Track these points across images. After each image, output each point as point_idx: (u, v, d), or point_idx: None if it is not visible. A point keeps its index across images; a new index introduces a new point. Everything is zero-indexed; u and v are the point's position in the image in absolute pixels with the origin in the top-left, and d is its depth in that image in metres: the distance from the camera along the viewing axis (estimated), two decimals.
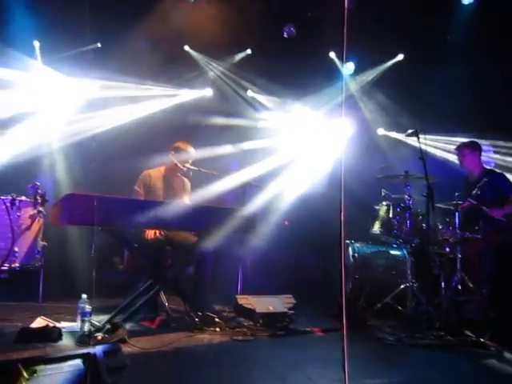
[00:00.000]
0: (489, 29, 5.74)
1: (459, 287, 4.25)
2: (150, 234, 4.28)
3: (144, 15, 6.13)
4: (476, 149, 4.87)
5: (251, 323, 3.97)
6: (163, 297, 4.36)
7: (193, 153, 4.67)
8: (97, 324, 3.56)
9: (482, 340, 3.76)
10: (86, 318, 3.56)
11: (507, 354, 3.53)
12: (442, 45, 6.40)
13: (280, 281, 5.82)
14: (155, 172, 4.72)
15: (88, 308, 3.57)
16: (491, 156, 5.66)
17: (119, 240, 3.91)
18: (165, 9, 6.21)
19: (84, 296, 3.61)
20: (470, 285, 4.29)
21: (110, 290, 4.91)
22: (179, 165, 4.56)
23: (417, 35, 6.29)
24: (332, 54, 6.98)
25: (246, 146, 6.38)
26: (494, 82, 5.79)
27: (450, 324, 4.03)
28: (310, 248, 6.52)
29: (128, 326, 3.71)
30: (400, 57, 6.87)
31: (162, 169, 4.73)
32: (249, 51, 7.02)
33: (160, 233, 4.32)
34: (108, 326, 3.44)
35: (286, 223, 6.56)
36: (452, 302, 4.24)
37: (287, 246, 6.40)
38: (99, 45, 6.50)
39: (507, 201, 4.56)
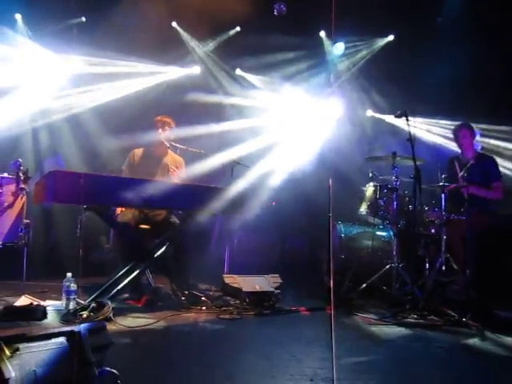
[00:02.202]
0: (480, 10, 5.70)
1: (443, 268, 4.29)
2: (128, 212, 4.22)
3: None
4: (473, 132, 4.95)
5: (238, 302, 3.98)
6: (149, 276, 4.34)
7: (174, 128, 4.59)
8: (82, 302, 3.54)
9: (464, 320, 3.83)
10: (71, 297, 3.54)
11: (488, 334, 3.60)
12: (432, 26, 6.36)
13: (266, 261, 5.85)
14: (140, 150, 4.65)
15: (73, 286, 3.55)
16: (478, 139, 5.68)
17: (104, 219, 3.86)
18: None
19: (69, 274, 3.58)
20: (454, 266, 4.32)
21: (96, 269, 4.88)
22: (165, 142, 4.49)
23: (407, 16, 6.23)
24: (322, 34, 6.90)
25: (234, 124, 6.30)
26: (484, 64, 5.79)
27: (433, 304, 4.09)
28: (297, 228, 6.55)
29: (113, 304, 3.68)
30: (390, 37, 6.81)
31: (151, 146, 4.66)
32: (238, 29, 6.89)
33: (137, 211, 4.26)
34: (93, 305, 3.41)
35: (273, 203, 6.56)
36: (436, 282, 4.29)
37: (274, 226, 6.40)
38: (83, 19, 6.33)
39: (488, 186, 4.62)
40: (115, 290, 3.73)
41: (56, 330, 1.96)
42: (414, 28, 6.32)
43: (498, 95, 5.66)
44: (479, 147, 5.31)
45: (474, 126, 5.10)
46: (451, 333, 3.62)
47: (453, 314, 3.95)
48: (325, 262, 5.00)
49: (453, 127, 5.11)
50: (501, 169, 4.98)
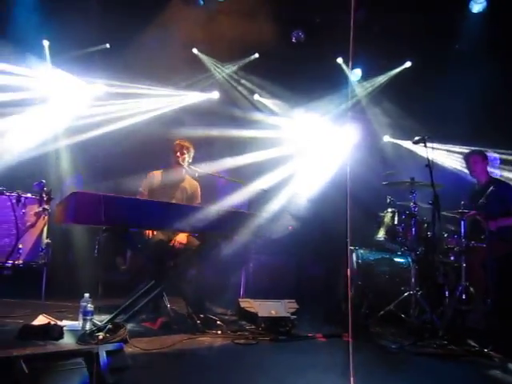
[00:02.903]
0: (497, 38, 5.73)
1: (463, 296, 4.20)
2: (150, 233, 4.27)
3: (153, 17, 6.17)
4: (485, 157, 4.89)
5: (253, 327, 3.95)
6: (165, 298, 4.34)
7: (192, 152, 4.66)
8: (98, 323, 3.55)
9: (485, 350, 3.73)
10: (88, 317, 3.56)
11: (511, 365, 3.49)
12: (450, 53, 6.40)
13: (283, 286, 5.78)
14: (159, 173, 4.72)
15: (90, 307, 3.57)
16: (498, 167, 5.62)
17: (123, 240, 3.91)
18: (174, 12, 6.25)
19: (86, 295, 3.61)
20: (474, 294, 4.24)
21: (112, 290, 4.89)
22: (183, 165, 4.56)
23: (425, 43, 6.29)
24: (339, 60, 6.99)
25: (256, 156, 6.36)
26: (502, 91, 5.78)
27: (453, 333, 3.99)
28: (314, 254, 6.49)
29: (129, 326, 3.70)
30: (408, 64, 6.86)
31: (169, 169, 4.73)
32: (256, 55, 7.04)
33: (158, 233, 4.30)
34: (109, 326, 3.42)
35: (291, 228, 6.54)
36: (456, 311, 4.20)
37: (291, 251, 6.36)
38: (108, 45, 6.54)
39: (509, 213, 4.54)
40: (132, 312, 3.74)
41: (74, 351, 1.98)
42: (432, 54, 6.37)
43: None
44: (498, 175, 5.26)
45: (495, 153, 5.07)
46: (472, 363, 3.52)
47: (473, 343, 3.86)
48: (342, 288, 4.94)
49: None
50: None
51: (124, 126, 6.30)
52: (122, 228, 3.54)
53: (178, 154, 4.60)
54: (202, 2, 6.53)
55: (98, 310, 3.80)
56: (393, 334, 4.23)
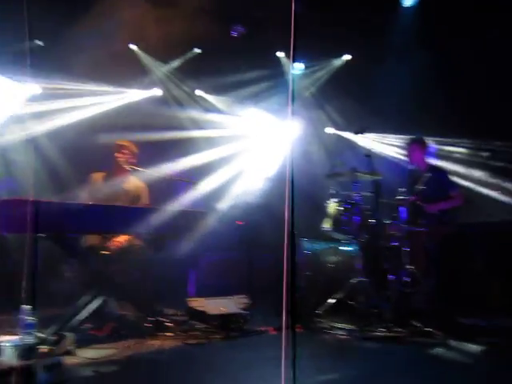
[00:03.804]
0: (428, 30, 5.97)
1: (407, 279, 4.37)
2: (91, 239, 4.12)
3: (89, 12, 5.92)
4: (423, 145, 5.02)
5: (204, 326, 3.91)
6: (112, 303, 4.21)
7: (135, 151, 4.54)
8: (41, 336, 3.38)
9: (428, 329, 3.90)
10: (29, 331, 3.38)
11: (452, 342, 3.68)
12: (385, 46, 6.60)
13: (235, 282, 5.78)
14: (102, 175, 4.56)
15: (31, 319, 3.39)
16: (434, 154, 5.88)
17: (62, 247, 3.74)
18: (109, 7, 6.03)
19: (26, 307, 3.42)
20: (417, 276, 4.42)
21: (57, 299, 4.69)
22: (125, 166, 4.42)
23: (363, 37, 6.43)
24: (280, 54, 7.03)
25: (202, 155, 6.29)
26: (436, 81, 6.03)
27: (398, 315, 4.15)
28: (265, 247, 6.53)
29: (75, 336, 3.57)
30: (346, 57, 7.02)
31: (111, 171, 4.58)
32: (197, 50, 6.94)
33: (101, 238, 4.17)
34: (53, 338, 3.28)
35: (240, 223, 6.54)
36: (401, 293, 4.36)
37: (241, 245, 6.37)
38: (40, 43, 6.21)
39: (447, 197, 4.75)
40: (77, 321, 3.60)
41: (8, 368, 1.87)
42: (369, 48, 6.54)
43: (447, 111, 5.89)
44: (435, 162, 5.49)
45: (432, 140, 5.28)
46: (415, 343, 3.68)
47: (418, 324, 4.02)
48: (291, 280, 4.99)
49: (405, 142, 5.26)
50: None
51: (62, 126, 6.03)
52: (57, 234, 3.38)
53: (119, 154, 4.46)
54: None
55: (40, 322, 3.63)
56: (342, 321, 4.32)
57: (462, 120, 5.87)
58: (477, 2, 5.57)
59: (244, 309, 4.10)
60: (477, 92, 5.81)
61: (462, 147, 6.22)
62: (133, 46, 6.77)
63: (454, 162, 6.04)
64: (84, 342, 3.55)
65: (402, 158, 5.29)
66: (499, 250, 5.23)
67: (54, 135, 5.82)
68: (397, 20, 6.32)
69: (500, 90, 5.60)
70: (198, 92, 7.12)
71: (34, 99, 5.94)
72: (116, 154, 4.47)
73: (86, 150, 5.47)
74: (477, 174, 5.97)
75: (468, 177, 5.97)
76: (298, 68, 7.04)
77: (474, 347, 3.59)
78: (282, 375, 1.92)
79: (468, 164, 6.03)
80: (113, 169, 4.56)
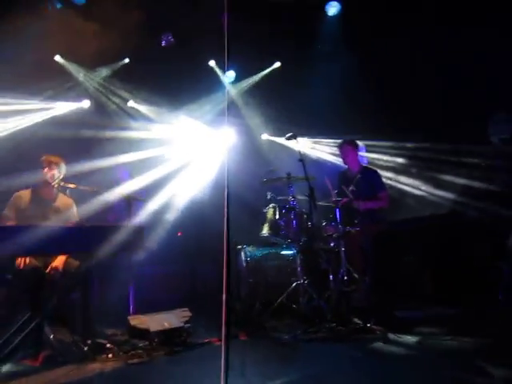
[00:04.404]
0: (352, 35, 6.26)
1: (346, 278, 4.49)
2: (22, 261, 3.88)
3: (8, 22, 5.59)
4: (356, 146, 5.19)
5: (147, 343, 3.79)
6: (47, 328, 3.97)
7: (63, 167, 4.35)
8: None
9: (368, 325, 4.03)
10: None
11: (391, 335, 3.82)
12: (313, 52, 6.82)
13: (177, 294, 5.69)
14: (27, 193, 4.31)
15: None
16: (364, 154, 6.13)
17: None
18: (31, 16, 5.74)
19: None
20: (355, 275, 4.56)
21: None
22: (52, 182, 4.21)
23: (291, 44, 6.61)
24: (212, 63, 7.04)
25: (129, 157, 6.13)
26: (362, 85, 6.31)
27: (339, 314, 4.25)
28: (206, 256, 6.47)
29: (6, 367, 3.34)
30: (277, 64, 7.16)
31: (37, 188, 4.34)
32: (126, 60, 6.79)
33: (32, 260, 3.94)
34: None
35: (180, 234, 6.45)
36: (340, 293, 4.46)
37: (182, 257, 6.28)
38: None
39: (375, 197, 4.95)
40: (7, 351, 3.36)
41: None
42: (298, 55, 6.72)
43: (375, 113, 6.18)
44: (365, 161, 5.71)
45: (361, 142, 5.47)
46: (357, 340, 3.79)
47: (358, 321, 4.15)
48: (234, 288, 4.99)
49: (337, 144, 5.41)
50: (383, 179, 5.36)
51: None
52: None
53: (46, 169, 4.24)
54: (58, 6, 6.10)
55: None
56: (287, 325, 4.37)
57: (389, 118, 6.19)
58: (390, 4, 5.92)
59: (187, 322, 4.02)
60: (402, 89, 6.15)
61: (389, 147, 6.53)
62: (58, 58, 6.50)
63: (382, 166, 6.33)
64: (16, 373, 3.33)
65: (335, 160, 5.45)
66: (429, 242, 5.55)
67: None
68: (323, 28, 6.57)
69: (423, 86, 5.94)
70: (131, 103, 6.96)
71: None
72: (44, 170, 4.24)
73: (9, 168, 5.15)
74: (403, 177, 6.29)
75: (397, 179, 6.28)
76: (229, 76, 7.09)
77: (411, 339, 3.75)
78: None
79: (395, 166, 6.35)
80: (39, 185, 4.32)
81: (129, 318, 3.98)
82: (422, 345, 3.64)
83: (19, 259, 3.89)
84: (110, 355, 3.58)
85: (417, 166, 6.29)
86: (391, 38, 6.09)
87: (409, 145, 6.33)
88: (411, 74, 6.03)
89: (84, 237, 3.58)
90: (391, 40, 6.10)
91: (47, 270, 3.94)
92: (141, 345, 3.77)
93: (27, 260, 3.93)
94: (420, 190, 6.17)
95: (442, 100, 6.04)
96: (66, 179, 4.37)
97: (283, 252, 5.04)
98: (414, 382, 2.91)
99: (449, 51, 5.77)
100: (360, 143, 5.87)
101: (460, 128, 5.79)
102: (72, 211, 4.40)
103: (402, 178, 6.30)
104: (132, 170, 6.00)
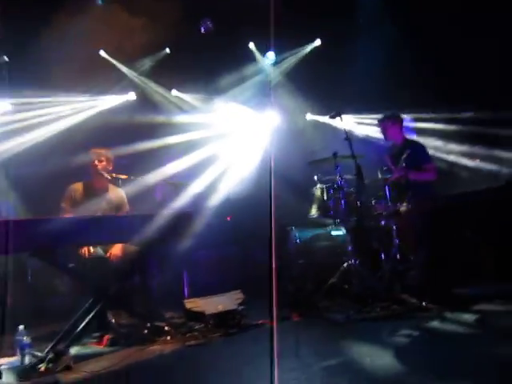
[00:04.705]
0: (396, 8, 6.00)
1: (398, 257, 4.41)
2: (86, 250, 4.09)
3: (52, 23, 5.81)
4: (397, 120, 4.93)
5: (202, 326, 3.91)
6: (109, 313, 4.19)
7: (112, 159, 4.50)
8: (38, 355, 3.36)
9: (423, 304, 3.95)
10: (26, 350, 3.35)
11: (447, 314, 3.73)
12: (354, 27, 6.60)
13: (229, 277, 5.79)
14: (82, 185, 4.52)
15: (26, 339, 3.37)
16: (412, 128, 5.91)
17: (51, 263, 3.71)
18: (73, 14, 5.93)
19: (21, 327, 3.39)
20: (408, 253, 4.46)
21: (54, 316, 4.65)
22: (104, 174, 4.38)
23: (331, 21, 6.43)
24: (251, 45, 6.99)
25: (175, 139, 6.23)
26: (405, 59, 6.06)
27: (393, 293, 4.19)
28: (256, 239, 6.53)
29: (74, 350, 3.56)
30: (317, 42, 7.00)
31: (90, 180, 4.54)
32: (167, 50, 6.87)
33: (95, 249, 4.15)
34: (51, 355, 3.26)
35: (228, 219, 6.53)
36: (393, 272, 4.40)
37: (233, 240, 6.37)
38: (6, 58, 6.10)
39: (421, 169, 4.71)
40: (74, 335, 3.58)
41: None
42: (339, 31, 6.53)
43: (422, 87, 5.92)
44: (413, 134, 5.50)
45: (408, 115, 5.26)
46: (413, 319, 3.72)
47: (413, 300, 4.07)
48: (285, 269, 5.01)
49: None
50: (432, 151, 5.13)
51: (39, 138, 5.95)
52: (43, 252, 3.34)
53: (96, 162, 4.42)
54: (100, 2, 6.26)
55: (39, 340, 3.61)
56: (339, 305, 4.36)
57: (435, 92, 5.92)
58: None
59: (240, 304, 4.10)
60: (447, 63, 5.86)
61: (437, 121, 6.25)
62: (102, 53, 6.68)
63: (430, 135, 6.07)
64: (84, 355, 3.55)
65: (381, 137, 5.28)
66: (487, 217, 5.30)
67: (29, 150, 5.74)
68: (362, 2, 6.34)
69: (469, 60, 5.63)
70: (174, 92, 7.06)
71: (4, 115, 5.85)
72: (94, 163, 4.42)
73: (63, 162, 5.40)
74: (454, 146, 6.01)
75: (447, 150, 6.02)
76: (270, 58, 7.01)
77: (469, 317, 3.64)
78: (275, 366, 1.93)
79: (445, 136, 6.07)
80: (91, 178, 4.51)
81: (184, 301, 4.11)
82: (480, 323, 3.52)
83: (83, 249, 4.11)
84: (168, 337, 3.73)
85: (470, 137, 5.99)
86: (435, 12, 5.79)
87: (460, 115, 6.03)
88: (458, 43, 5.71)
89: (138, 225, 3.71)
90: (435, 14, 5.79)
91: (107, 257, 4.14)
92: (197, 327, 3.91)
93: (91, 249, 4.14)
94: (474, 161, 5.89)
95: (494, 70, 5.68)
96: (115, 170, 4.53)
97: (333, 232, 4.99)
98: (471, 361, 2.82)
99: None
100: (406, 116, 5.65)
101: None
102: (124, 202, 4.57)
103: (455, 149, 6.02)
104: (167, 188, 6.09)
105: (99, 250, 4.19)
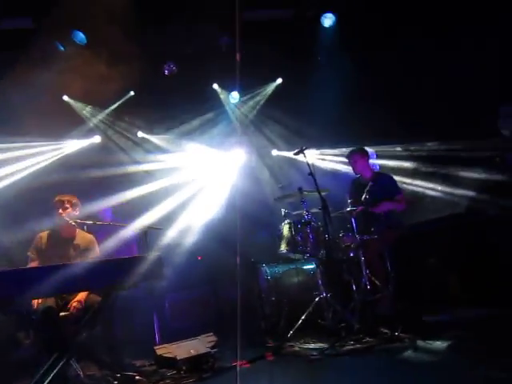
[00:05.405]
0: (348, 45, 6.30)
1: (368, 287, 4.44)
2: (36, 301, 3.93)
3: (15, 68, 5.80)
4: (364, 154, 5.13)
5: (175, 372, 3.79)
6: (76, 366, 4.01)
7: (78, 204, 4.44)
8: None
9: (396, 334, 3.96)
10: None
11: (420, 343, 3.75)
12: (314, 65, 6.87)
13: (202, 318, 5.69)
14: (48, 233, 4.41)
15: None
16: (375, 161, 6.09)
17: (13, 315, 3.55)
18: (37, 60, 5.94)
19: None
20: (378, 283, 4.50)
21: (19, 370, 4.42)
22: (69, 221, 4.29)
23: (291, 59, 6.66)
24: (215, 86, 7.14)
25: (143, 189, 6.22)
26: (364, 92, 6.32)
27: (366, 325, 4.19)
28: (227, 278, 6.47)
29: None
30: (279, 81, 7.22)
31: (57, 228, 4.43)
32: (132, 93, 6.93)
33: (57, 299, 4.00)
34: None
35: (200, 258, 6.47)
36: (364, 302, 4.41)
37: (204, 281, 6.29)
38: None
39: (392, 200, 4.88)
40: None
41: None
42: (299, 69, 6.77)
43: (381, 119, 6.16)
44: (377, 168, 5.67)
45: (370, 148, 5.42)
46: (386, 351, 3.72)
47: (385, 330, 4.08)
48: (258, 308, 4.97)
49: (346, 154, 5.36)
50: (399, 184, 5.30)
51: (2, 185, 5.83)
52: (3, 303, 3.20)
53: (60, 210, 4.33)
54: (62, 48, 6.30)
55: None
56: (313, 340, 4.32)
57: (396, 122, 6.17)
58: (386, 14, 5.97)
59: (213, 346, 4.01)
60: (403, 97, 6.14)
61: (400, 151, 6.49)
62: (65, 97, 6.69)
63: (392, 167, 6.27)
64: None
65: (344, 170, 5.43)
66: (451, 242, 5.45)
67: None
68: (320, 40, 6.62)
69: (427, 86, 5.93)
70: (140, 134, 7.08)
71: None
72: (58, 211, 4.33)
73: (27, 212, 5.28)
74: (417, 179, 6.22)
75: (409, 182, 6.21)
76: (234, 97, 7.17)
77: (440, 344, 3.67)
78: None
79: (405, 169, 6.28)
80: (57, 225, 4.41)
81: (155, 348, 3.99)
82: (452, 350, 3.56)
83: (34, 300, 3.94)
84: None
85: (430, 167, 6.22)
86: (389, 44, 6.12)
87: (418, 147, 6.28)
88: (413, 74, 6.03)
89: (103, 271, 3.60)
90: (389, 45, 6.12)
91: (70, 307, 3.99)
92: (169, 374, 3.78)
93: (51, 300, 3.98)
94: (436, 190, 6.08)
95: (448, 98, 6.00)
96: (83, 217, 4.45)
97: (303, 267, 5.01)
98: None
99: (450, 49, 5.76)
100: (370, 149, 5.85)
101: (470, 124, 5.74)
102: (92, 247, 4.46)
103: (416, 180, 6.23)
104: (114, 209, 6.02)
105: (47, 301, 4.02)
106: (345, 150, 5.37)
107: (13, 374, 4.20)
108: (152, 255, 3.94)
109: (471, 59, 5.47)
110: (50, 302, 3.97)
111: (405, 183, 6.05)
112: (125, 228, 4.50)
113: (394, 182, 5.10)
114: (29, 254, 4.30)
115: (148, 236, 4.43)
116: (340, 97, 6.12)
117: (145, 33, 6.12)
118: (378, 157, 6.25)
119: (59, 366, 3.54)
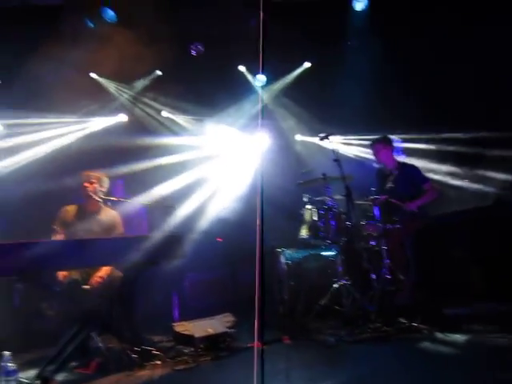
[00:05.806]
0: (380, 30, 6.14)
1: (388, 277, 4.41)
2: (61, 274, 4.03)
3: (43, 45, 5.86)
4: (387, 143, 5.00)
5: (192, 349, 3.85)
6: (97, 338, 4.12)
7: (105, 181, 4.50)
8: (24, 381, 3.29)
9: (414, 324, 3.94)
10: (11, 378, 3.28)
11: (438, 334, 3.72)
12: (343, 50, 6.73)
13: (220, 300, 5.74)
14: (74, 207, 4.49)
15: (12, 366, 3.30)
16: (401, 149, 5.98)
17: (38, 286, 3.66)
18: (65, 37, 5.99)
19: (6, 353, 3.32)
20: (398, 273, 4.46)
21: (42, 340, 4.56)
22: (94, 197, 4.36)
23: (320, 43, 6.55)
24: (242, 68, 7.08)
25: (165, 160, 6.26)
26: (394, 79, 6.18)
27: (384, 314, 4.18)
28: (246, 261, 6.50)
29: (61, 376, 3.49)
30: (307, 64, 7.11)
31: (82, 203, 4.52)
32: (158, 72, 6.94)
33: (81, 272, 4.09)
34: (37, 382, 3.19)
35: (219, 240, 6.51)
36: (384, 292, 4.39)
37: (224, 262, 6.34)
38: None
39: (422, 192, 4.75)
40: (61, 361, 3.51)
41: None
42: (328, 53, 6.66)
43: (408, 108, 6.02)
44: (403, 156, 5.57)
45: (396, 136, 5.32)
46: (403, 340, 3.71)
47: (403, 320, 4.06)
48: (276, 291, 4.98)
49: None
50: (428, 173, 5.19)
51: (28, 160, 5.94)
52: (30, 275, 3.30)
53: (87, 184, 4.41)
54: (91, 25, 6.33)
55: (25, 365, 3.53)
56: (330, 327, 4.33)
57: (423, 114, 6.03)
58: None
59: (230, 327, 4.06)
60: (435, 85, 5.98)
61: (426, 141, 6.34)
62: (93, 75, 6.73)
63: (419, 156, 6.13)
64: (71, 382, 3.47)
65: (370, 157, 5.34)
66: (475, 236, 5.35)
67: (19, 172, 5.72)
68: (350, 24, 6.48)
69: (456, 82, 5.77)
70: (165, 114, 7.10)
71: None
72: (85, 185, 4.40)
73: (54, 184, 5.37)
74: (444, 166, 6.08)
75: (436, 170, 6.08)
76: (260, 80, 7.09)
77: (459, 337, 3.63)
78: None
79: (434, 157, 6.14)
80: (84, 200, 4.49)
81: (173, 324, 4.06)
82: (470, 343, 3.52)
83: (60, 273, 4.03)
84: (157, 362, 3.67)
85: (458, 160, 6.08)
86: (421, 31, 5.95)
87: (447, 136, 6.13)
88: (446, 62, 5.86)
89: (126, 248, 3.68)
90: (421, 32, 5.95)
91: (92, 281, 4.08)
92: (186, 351, 3.85)
93: (75, 272, 4.08)
94: (463, 181, 5.96)
95: (482, 88, 5.81)
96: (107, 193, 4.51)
97: (323, 253, 4.99)
98: (461, 382, 2.81)
99: (485, 37, 5.56)
100: (395, 137, 5.72)
101: (505, 115, 5.58)
102: (116, 223, 4.54)
103: (443, 171, 6.09)
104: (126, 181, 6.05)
105: (72, 274, 4.11)
106: (371, 138, 5.24)
107: (35, 345, 4.32)
108: (173, 234, 4.01)
109: (508, 47, 5.27)
110: (75, 274, 4.07)
111: (432, 171, 5.93)
112: (144, 206, 4.54)
113: (419, 171, 4.96)
114: (54, 226, 4.40)
115: (168, 213, 4.46)
116: (369, 83, 5.99)
117: (177, 13, 6.09)
118: (404, 148, 6.13)
119: (81, 338, 3.65)
